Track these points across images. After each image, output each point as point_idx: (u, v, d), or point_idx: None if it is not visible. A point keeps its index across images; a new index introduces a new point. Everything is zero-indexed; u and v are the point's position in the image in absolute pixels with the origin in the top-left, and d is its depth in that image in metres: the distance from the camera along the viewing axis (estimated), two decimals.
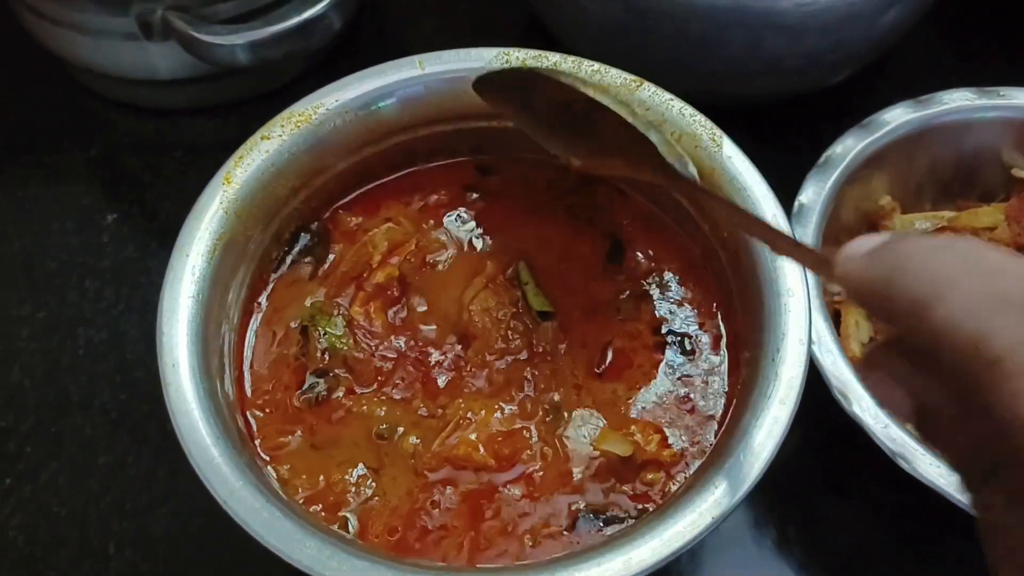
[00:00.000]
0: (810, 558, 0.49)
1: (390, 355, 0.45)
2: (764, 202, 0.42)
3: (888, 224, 0.53)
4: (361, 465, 0.42)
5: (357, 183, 0.50)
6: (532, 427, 0.43)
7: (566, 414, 0.43)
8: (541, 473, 0.42)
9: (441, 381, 0.44)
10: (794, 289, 0.40)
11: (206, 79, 0.62)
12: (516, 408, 0.43)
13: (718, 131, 0.44)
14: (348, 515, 0.41)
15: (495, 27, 0.71)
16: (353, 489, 0.41)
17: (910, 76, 0.66)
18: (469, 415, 0.43)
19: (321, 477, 0.42)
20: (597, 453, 0.42)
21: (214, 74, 0.61)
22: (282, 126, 0.46)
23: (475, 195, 0.50)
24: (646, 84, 0.46)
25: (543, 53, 0.47)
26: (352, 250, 0.48)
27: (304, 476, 0.42)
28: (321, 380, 0.44)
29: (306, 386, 0.44)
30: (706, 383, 0.44)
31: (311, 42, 0.58)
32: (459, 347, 0.45)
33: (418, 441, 0.42)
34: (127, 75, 0.62)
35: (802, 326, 0.39)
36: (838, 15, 0.53)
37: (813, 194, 0.50)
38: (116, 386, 0.53)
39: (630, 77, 0.46)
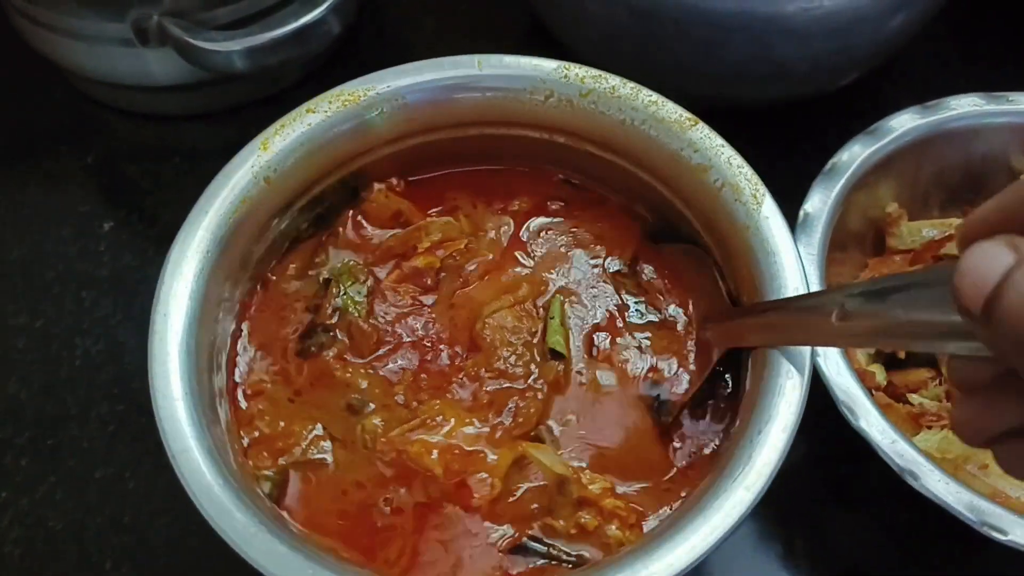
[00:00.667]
0: (816, 572, 0.48)
1: (397, 335, 0.45)
2: (789, 271, 0.40)
3: (895, 231, 0.53)
4: (320, 426, 0.42)
5: (397, 173, 0.50)
6: (491, 453, 0.42)
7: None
8: (481, 500, 0.41)
9: (430, 378, 0.44)
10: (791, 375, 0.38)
11: (204, 85, 0.61)
12: (487, 430, 0.42)
13: (762, 188, 0.43)
14: (290, 468, 0.41)
15: (496, 28, 0.71)
16: (304, 444, 0.42)
17: (917, 80, 0.65)
18: (439, 418, 0.42)
19: (281, 423, 0.42)
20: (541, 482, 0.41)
21: (212, 80, 0.60)
22: (330, 102, 0.45)
23: (557, 205, 0.50)
24: (700, 125, 0.44)
25: (603, 74, 0.46)
26: (406, 231, 0.48)
27: (267, 418, 0.42)
28: (322, 334, 0.44)
29: (306, 331, 0.45)
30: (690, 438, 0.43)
31: (309, 48, 0.57)
32: (463, 353, 0.45)
33: (381, 423, 0.42)
34: (124, 81, 0.61)
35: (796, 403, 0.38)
36: (845, 19, 0.52)
37: (819, 202, 0.49)
38: (113, 398, 0.53)
39: (685, 115, 0.45)
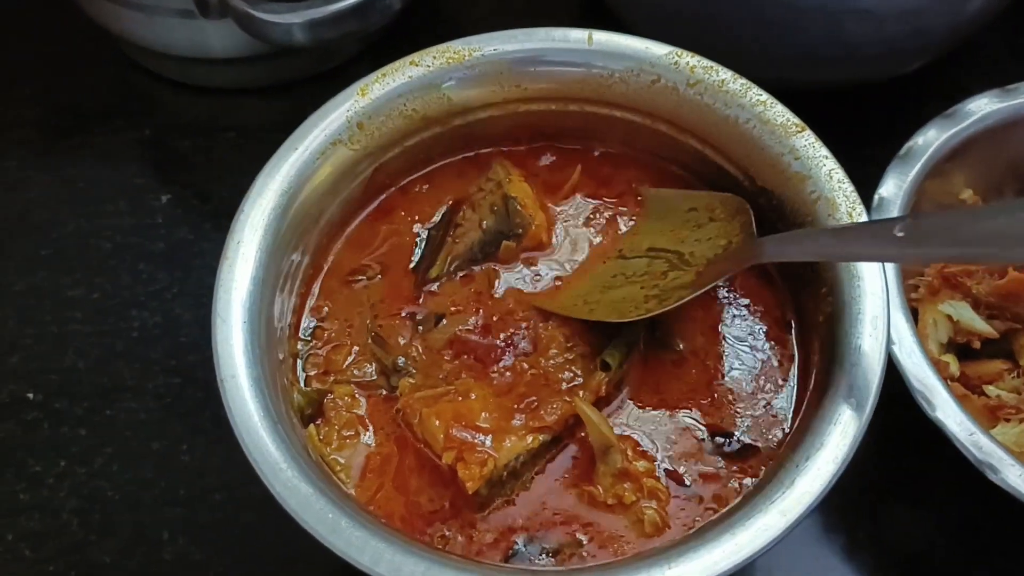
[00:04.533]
0: (880, 566, 0.47)
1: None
2: (871, 299, 0.38)
3: None
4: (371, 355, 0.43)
5: (499, 138, 0.49)
6: (501, 437, 0.40)
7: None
8: (468, 476, 0.39)
9: (477, 357, 0.43)
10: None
11: (260, 59, 0.61)
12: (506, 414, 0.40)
13: (860, 207, 0.41)
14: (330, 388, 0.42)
15: (551, 5, 0.70)
16: (349, 360, 0.43)
17: (988, 67, 0.63)
18: (472, 395, 0.41)
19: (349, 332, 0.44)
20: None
21: (269, 54, 0.60)
22: (434, 57, 0.45)
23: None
24: (807, 132, 0.43)
25: (714, 66, 0.45)
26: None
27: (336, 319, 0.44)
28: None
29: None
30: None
31: (370, 22, 0.56)
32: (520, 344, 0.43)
33: (412, 382, 0.42)
34: (181, 53, 0.61)
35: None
36: (922, 1, 0.51)
37: (894, 187, 0.48)
38: (170, 371, 0.53)
39: (793, 119, 0.43)
